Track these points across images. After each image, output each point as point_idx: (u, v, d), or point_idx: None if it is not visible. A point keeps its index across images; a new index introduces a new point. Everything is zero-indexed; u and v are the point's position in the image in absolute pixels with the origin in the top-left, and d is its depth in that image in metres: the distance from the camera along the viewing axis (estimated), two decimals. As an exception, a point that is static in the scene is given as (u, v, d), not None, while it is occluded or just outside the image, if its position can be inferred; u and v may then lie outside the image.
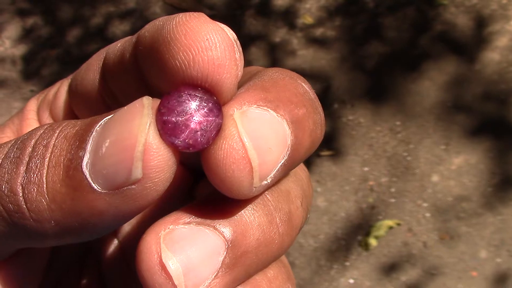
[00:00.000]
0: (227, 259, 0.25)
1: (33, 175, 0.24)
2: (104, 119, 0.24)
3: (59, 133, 0.24)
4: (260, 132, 0.24)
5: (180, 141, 0.23)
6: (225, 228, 0.25)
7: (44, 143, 0.24)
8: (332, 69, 2.23)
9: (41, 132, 0.25)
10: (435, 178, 1.98)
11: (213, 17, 2.03)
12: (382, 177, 2.02)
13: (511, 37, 2.12)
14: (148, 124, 0.22)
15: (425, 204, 1.95)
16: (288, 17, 2.35)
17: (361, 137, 2.08)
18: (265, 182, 0.24)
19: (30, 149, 0.24)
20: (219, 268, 0.25)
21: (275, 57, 2.29)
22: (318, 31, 2.30)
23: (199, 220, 0.25)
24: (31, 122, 0.36)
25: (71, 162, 0.23)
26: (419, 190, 1.98)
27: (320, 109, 0.27)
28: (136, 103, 0.23)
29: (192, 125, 0.23)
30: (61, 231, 0.24)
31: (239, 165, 0.24)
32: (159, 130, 0.23)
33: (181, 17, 0.25)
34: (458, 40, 2.16)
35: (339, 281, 1.92)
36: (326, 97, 2.18)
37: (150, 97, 0.24)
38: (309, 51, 2.27)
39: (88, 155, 0.23)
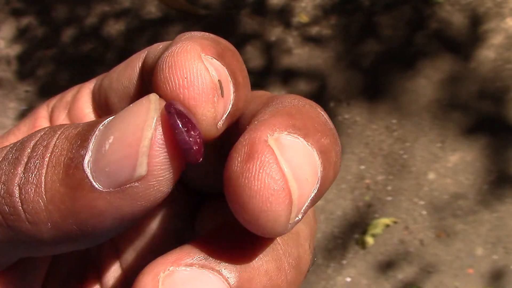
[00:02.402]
0: None
1: (31, 175, 0.23)
2: (108, 118, 0.23)
3: (60, 134, 0.24)
4: (297, 161, 0.22)
5: (192, 139, 0.22)
6: (231, 273, 0.23)
7: (44, 143, 0.24)
8: (328, 68, 2.23)
9: (42, 133, 0.24)
10: (431, 176, 1.99)
11: (209, 16, 2.03)
12: (378, 175, 2.02)
13: (506, 35, 2.12)
14: (155, 119, 0.22)
15: (421, 202, 1.96)
16: (284, 16, 2.35)
17: (357, 136, 2.08)
18: (298, 217, 0.22)
19: (29, 150, 0.24)
20: None
21: (271, 56, 2.29)
22: (314, 30, 2.30)
23: (202, 262, 0.23)
24: (42, 126, 0.34)
25: (72, 161, 0.22)
26: (416, 188, 1.98)
27: (339, 140, 0.25)
28: (143, 100, 0.23)
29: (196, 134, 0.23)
30: (58, 235, 0.23)
31: (278, 198, 0.21)
32: (168, 127, 0.22)
33: (175, 48, 0.24)
34: (453, 38, 2.17)
35: (336, 280, 1.92)
36: (322, 95, 2.19)
37: (157, 95, 0.23)
38: (304, 49, 2.27)
39: (90, 153, 0.22)
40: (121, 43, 2.48)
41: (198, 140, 0.23)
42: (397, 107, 2.10)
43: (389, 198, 1.98)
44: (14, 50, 2.50)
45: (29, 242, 0.24)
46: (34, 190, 0.23)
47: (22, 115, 2.38)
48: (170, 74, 0.23)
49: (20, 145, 0.24)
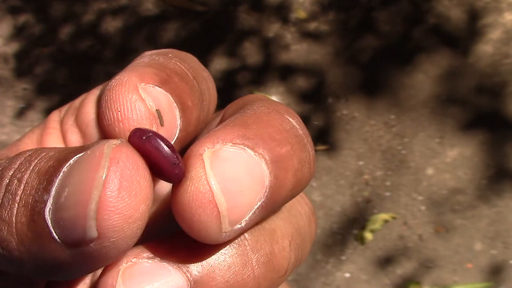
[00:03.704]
0: None
1: (5, 212, 0.22)
2: (75, 158, 0.22)
3: (34, 166, 0.23)
4: (231, 173, 0.22)
5: (176, 158, 0.22)
6: (191, 267, 0.23)
7: (18, 176, 0.23)
8: (326, 64, 2.22)
9: (21, 161, 0.24)
10: (430, 171, 1.99)
11: (206, 13, 2.02)
12: (377, 171, 2.02)
13: (504, 29, 2.12)
14: (103, 177, 0.21)
15: (420, 197, 1.96)
16: (281, 12, 2.35)
17: (355, 131, 2.08)
18: (239, 226, 0.23)
19: (7, 181, 0.23)
20: None
21: (269, 52, 2.28)
22: (312, 26, 2.29)
23: (164, 256, 0.24)
24: (52, 131, 0.34)
25: (37, 205, 0.22)
26: (414, 183, 1.98)
27: (309, 145, 0.25)
28: (97, 150, 0.21)
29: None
30: (34, 271, 0.23)
31: (205, 210, 0.22)
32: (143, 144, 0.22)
33: (113, 81, 0.24)
34: (451, 33, 2.16)
35: (336, 275, 1.93)
36: (320, 91, 2.18)
37: (116, 141, 0.22)
38: (302, 45, 2.26)
39: (52, 201, 0.21)
40: (118, 40, 2.47)
41: (179, 157, 0.23)
42: (395, 103, 2.10)
43: (388, 194, 1.98)
44: (12, 48, 2.50)
45: (10, 268, 0.23)
46: (6, 229, 0.22)
47: (20, 113, 2.37)
48: (106, 108, 0.23)
49: (0, 172, 0.24)
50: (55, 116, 0.36)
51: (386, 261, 1.91)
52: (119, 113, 0.23)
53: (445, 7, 2.20)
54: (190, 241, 0.24)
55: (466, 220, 1.91)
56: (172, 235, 0.25)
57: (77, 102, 0.35)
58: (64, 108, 0.36)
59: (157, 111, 0.24)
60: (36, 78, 2.43)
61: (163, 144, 0.22)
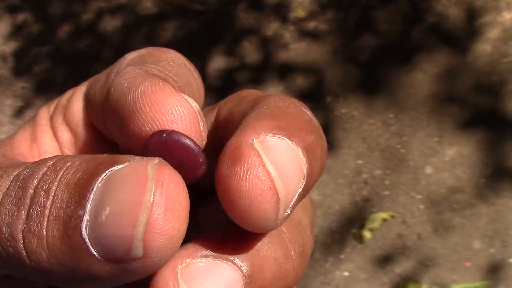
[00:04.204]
0: None
1: (34, 225, 0.22)
2: (107, 172, 0.22)
3: (61, 178, 0.23)
4: (283, 160, 0.23)
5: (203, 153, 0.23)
6: (243, 262, 0.24)
7: (45, 187, 0.23)
8: (325, 63, 2.22)
9: (44, 170, 0.24)
10: (428, 170, 1.99)
11: (205, 12, 2.02)
12: (375, 169, 2.02)
13: (503, 28, 2.12)
14: (151, 201, 0.21)
15: (419, 196, 1.96)
16: (280, 11, 2.35)
17: (354, 130, 2.08)
18: (286, 213, 0.24)
19: (31, 192, 0.23)
20: None
21: (268, 51, 2.28)
22: (311, 25, 2.29)
23: (216, 253, 0.24)
24: (44, 128, 0.34)
25: (71, 220, 0.22)
26: (413, 182, 1.98)
27: (323, 135, 0.27)
28: (140, 171, 0.22)
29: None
30: (64, 281, 0.23)
31: (266, 197, 0.22)
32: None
33: (147, 86, 0.24)
34: (450, 32, 2.17)
35: (334, 274, 1.93)
36: (319, 90, 2.18)
37: (156, 160, 0.22)
38: (301, 44, 2.27)
39: (88, 217, 0.21)
40: (117, 39, 2.47)
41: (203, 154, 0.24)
42: (394, 102, 2.10)
43: (387, 193, 1.99)
44: (10, 47, 2.50)
45: (31, 278, 0.24)
46: (36, 242, 0.22)
47: (19, 111, 2.37)
48: (154, 112, 0.24)
49: (22, 182, 0.24)
50: (44, 113, 0.35)
51: (385, 260, 1.91)
52: (172, 114, 0.24)
53: (443, 6, 2.20)
54: (235, 236, 0.25)
55: (464, 219, 1.91)
56: (214, 231, 0.26)
57: (63, 99, 0.35)
58: (52, 105, 0.36)
59: (199, 113, 0.25)
60: (34, 77, 2.42)
61: (186, 138, 0.23)
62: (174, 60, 0.30)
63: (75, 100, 0.34)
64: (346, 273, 1.93)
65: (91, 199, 0.22)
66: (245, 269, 0.24)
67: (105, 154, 0.24)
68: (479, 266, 1.85)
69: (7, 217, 0.23)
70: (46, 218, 0.22)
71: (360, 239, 1.95)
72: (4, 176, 0.25)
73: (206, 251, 0.24)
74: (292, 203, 0.23)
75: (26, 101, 2.39)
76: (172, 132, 0.23)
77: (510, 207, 1.89)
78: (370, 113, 2.10)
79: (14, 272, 0.24)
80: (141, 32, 2.42)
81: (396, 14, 2.24)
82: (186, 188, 0.23)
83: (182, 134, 0.23)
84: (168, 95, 0.24)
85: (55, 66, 2.45)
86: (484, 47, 2.11)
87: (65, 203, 0.22)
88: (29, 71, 2.44)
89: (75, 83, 0.35)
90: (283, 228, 0.26)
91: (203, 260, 0.24)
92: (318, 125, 0.26)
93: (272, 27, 2.32)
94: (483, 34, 2.13)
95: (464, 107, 2.04)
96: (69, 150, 0.33)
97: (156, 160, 0.22)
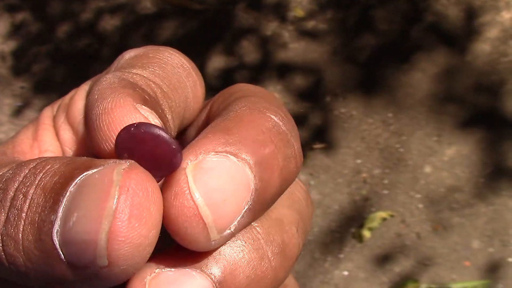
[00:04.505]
0: None
1: (11, 228, 0.22)
2: (81, 177, 0.22)
3: (39, 181, 0.23)
4: (214, 184, 0.23)
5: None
6: (213, 269, 0.24)
7: (23, 190, 0.23)
8: (324, 62, 2.22)
9: (26, 173, 0.23)
10: (427, 169, 1.99)
11: (204, 11, 2.01)
12: (375, 169, 2.03)
13: (502, 28, 2.12)
14: (113, 208, 0.21)
15: (418, 195, 1.96)
16: (279, 10, 2.35)
17: (353, 130, 2.09)
18: (228, 231, 0.23)
19: (12, 194, 0.23)
20: None
21: (267, 50, 2.28)
22: (310, 24, 2.29)
23: (184, 262, 0.24)
24: (46, 127, 0.34)
25: (44, 225, 0.22)
26: (412, 181, 1.98)
27: (293, 140, 0.26)
28: (105, 176, 0.21)
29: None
30: (37, 285, 0.23)
31: (192, 223, 0.23)
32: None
33: (109, 103, 0.24)
34: (449, 32, 2.17)
35: (334, 274, 1.93)
36: (318, 90, 2.19)
37: (125, 164, 0.22)
38: (300, 44, 2.27)
39: (59, 222, 0.21)
40: (116, 38, 2.47)
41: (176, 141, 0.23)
42: (393, 101, 2.10)
43: (386, 192, 1.99)
44: (9, 46, 2.49)
45: (9, 277, 0.24)
46: (13, 246, 0.22)
47: (18, 111, 2.37)
48: (111, 131, 0.24)
49: (5, 184, 0.24)
50: (48, 112, 0.36)
51: (384, 259, 1.91)
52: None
53: (443, 6, 2.20)
54: None
55: (463, 218, 1.91)
56: None
57: (66, 98, 0.35)
58: (56, 104, 0.36)
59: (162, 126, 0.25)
60: (33, 76, 2.42)
61: (155, 128, 0.23)
62: (167, 61, 0.30)
63: (77, 99, 0.34)
64: (345, 273, 1.93)
65: (63, 204, 0.21)
66: (215, 275, 0.24)
67: (84, 157, 0.24)
68: (478, 265, 1.85)
69: None
70: (22, 222, 0.22)
71: (359, 238, 1.95)
72: None
73: (175, 260, 0.24)
74: (237, 221, 0.23)
75: (25, 101, 2.39)
76: (140, 124, 0.23)
77: (509, 207, 1.89)
78: (369, 112, 2.10)
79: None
80: (140, 32, 2.42)
81: (395, 13, 2.24)
82: (158, 192, 0.22)
83: (150, 124, 0.23)
84: (126, 112, 0.24)
85: (54, 66, 2.45)
86: (483, 47, 2.11)
87: (40, 207, 0.22)
88: (28, 70, 2.44)
89: (74, 82, 0.36)
90: (258, 229, 0.26)
91: (172, 269, 0.24)
92: (286, 130, 0.26)
93: (271, 27, 2.32)
94: (482, 34, 2.13)
95: (463, 106, 2.05)
96: (70, 149, 0.33)
97: (125, 164, 0.22)
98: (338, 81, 2.18)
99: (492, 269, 1.84)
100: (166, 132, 0.23)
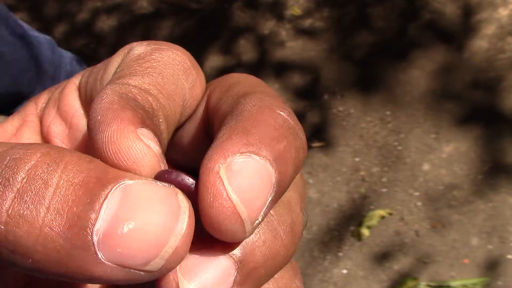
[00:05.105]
0: (238, 278, 0.26)
1: (26, 210, 0.22)
2: (122, 182, 0.23)
3: (61, 173, 0.23)
4: (246, 183, 0.25)
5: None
6: (234, 250, 0.27)
7: (44, 177, 0.23)
8: (321, 60, 2.22)
9: (38, 156, 0.23)
10: (426, 167, 1.99)
11: (201, 11, 2.01)
12: (373, 167, 2.02)
13: (499, 24, 2.12)
14: (183, 232, 0.23)
15: (416, 193, 1.96)
16: (276, 9, 2.35)
17: (351, 128, 2.08)
18: (257, 221, 0.26)
19: (23, 175, 0.23)
20: (231, 287, 0.26)
21: (264, 49, 2.28)
22: (307, 22, 2.29)
23: (208, 247, 0.27)
24: (28, 123, 0.35)
25: (79, 219, 0.22)
26: (410, 179, 1.98)
27: (300, 132, 0.28)
28: (175, 201, 0.24)
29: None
30: (36, 270, 0.23)
31: (231, 220, 0.25)
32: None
33: (114, 131, 0.26)
34: (446, 29, 2.17)
35: (333, 272, 1.93)
36: (315, 88, 2.18)
37: (180, 193, 0.25)
38: (298, 42, 2.26)
39: (101, 223, 0.22)
40: (113, 38, 2.47)
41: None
42: (391, 99, 2.10)
43: (384, 190, 1.99)
44: (6, 47, 2.49)
45: (6, 264, 0.24)
46: (27, 228, 0.22)
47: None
48: (119, 161, 0.25)
49: (12, 162, 0.23)
50: (31, 108, 0.36)
51: (383, 257, 1.91)
52: (134, 164, 0.26)
53: (440, 3, 2.20)
54: None
55: (462, 215, 1.91)
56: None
57: (56, 93, 0.35)
58: (41, 99, 0.36)
59: (160, 156, 0.27)
60: (30, 77, 2.42)
61: (179, 177, 0.26)
62: (168, 63, 0.31)
63: (69, 92, 0.34)
64: (344, 271, 1.93)
65: (105, 206, 0.22)
66: (236, 255, 0.26)
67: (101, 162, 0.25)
68: (477, 262, 1.85)
69: None
70: (45, 208, 0.22)
71: (358, 236, 1.95)
72: None
73: (200, 245, 0.26)
74: (263, 212, 0.26)
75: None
76: (166, 172, 0.26)
77: (507, 203, 1.89)
78: (367, 110, 2.10)
79: None
80: (137, 31, 2.41)
81: (392, 11, 2.24)
82: None
83: (173, 172, 0.26)
84: (131, 144, 0.26)
85: (51, 66, 2.44)
86: (481, 44, 2.11)
87: (71, 202, 0.22)
88: (25, 71, 2.43)
89: (71, 82, 0.36)
90: (271, 212, 0.28)
91: (197, 255, 0.26)
92: (294, 125, 0.28)
93: (268, 25, 2.32)
94: (480, 31, 2.13)
95: (460, 103, 2.05)
96: (62, 142, 0.34)
97: (179, 191, 0.25)
98: (336, 79, 2.18)
99: (491, 266, 1.84)
100: (186, 176, 0.26)
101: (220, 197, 0.25)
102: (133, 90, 0.28)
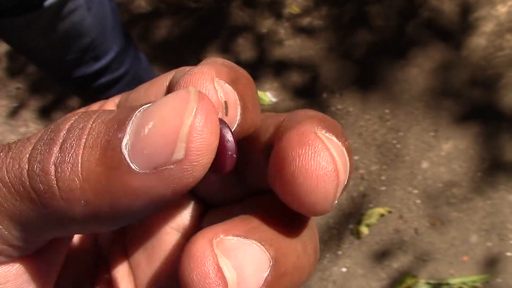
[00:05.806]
0: (269, 277, 0.26)
1: (68, 155, 0.24)
2: (144, 106, 0.25)
3: (96, 118, 0.25)
4: (338, 151, 0.26)
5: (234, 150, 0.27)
6: (270, 246, 0.26)
7: (80, 126, 0.25)
8: (320, 59, 2.22)
9: (76, 117, 0.26)
10: (425, 164, 1.99)
11: (199, 10, 2.01)
12: (372, 165, 2.03)
13: (497, 22, 2.12)
14: (194, 108, 0.24)
15: (415, 191, 1.96)
16: (275, 7, 2.34)
17: (350, 126, 2.09)
18: (336, 201, 0.26)
19: (64, 132, 0.25)
20: (262, 285, 0.26)
21: (263, 48, 2.28)
22: (305, 21, 2.29)
23: (246, 234, 0.26)
24: None
25: (109, 144, 0.24)
26: (409, 177, 1.99)
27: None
28: (182, 91, 0.25)
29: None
30: (90, 213, 0.25)
31: (331, 177, 0.25)
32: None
33: (193, 70, 0.28)
34: (444, 27, 2.17)
35: (332, 270, 1.93)
36: (314, 86, 2.18)
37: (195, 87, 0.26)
38: (296, 41, 2.26)
39: (128, 137, 0.24)
40: (111, 37, 2.46)
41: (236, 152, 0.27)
42: (389, 97, 2.10)
43: (383, 188, 1.99)
44: (4, 47, 2.48)
45: (62, 220, 0.25)
46: (70, 169, 0.24)
47: (14, 112, 2.36)
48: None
49: (55, 127, 0.26)
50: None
51: (382, 255, 1.92)
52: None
53: (438, 1, 2.20)
54: (261, 223, 0.27)
55: (461, 213, 1.91)
56: (241, 217, 0.28)
57: (94, 106, 0.37)
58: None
59: (225, 102, 0.28)
60: (29, 77, 2.41)
61: (229, 131, 0.27)
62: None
63: (107, 108, 0.36)
64: (343, 269, 1.93)
65: (130, 124, 0.24)
66: (271, 252, 0.26)
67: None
68: (477, 260, 1.86)
69: (38, 156, 0.25)
70: (81, 147, 0.24)
71: (357, 234, 1.95)
72: (37, 132, 0.27)
73: (237, 231, 0.26)
74: (342, 189, 0.26)
75: (21, 102, 2.38)
76: (221, 120, 0.27)
77: (506, 201, 1.90)
78: (366, 108, 2.10)
79: (42, 220, 0.26)
80: (135, 31, 2.41)
81: (390, 9, 2.24)
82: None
83: (227, 126, 0.27)
84: (202, 79, 0.28)
85: (49, 66, 2.44)
86: (479, 41, 2.11)
87: (102, 133, 0.25)
88: (24, 71, 2.43)
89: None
90: (303, 230, 0.29)
91: (235, 238, 0.26)
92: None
93: (266, 24, 2.31)
94: (478, 28, 2.13)
95: (459, 101, 2.05)
96: None
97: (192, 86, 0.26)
98: (335, 78, 2.18)
99: (491, 264, 1.84)
100: (233, 136, 0.27)
101: (322, 151, 0.25)
102: (241, 69, 0.30)
